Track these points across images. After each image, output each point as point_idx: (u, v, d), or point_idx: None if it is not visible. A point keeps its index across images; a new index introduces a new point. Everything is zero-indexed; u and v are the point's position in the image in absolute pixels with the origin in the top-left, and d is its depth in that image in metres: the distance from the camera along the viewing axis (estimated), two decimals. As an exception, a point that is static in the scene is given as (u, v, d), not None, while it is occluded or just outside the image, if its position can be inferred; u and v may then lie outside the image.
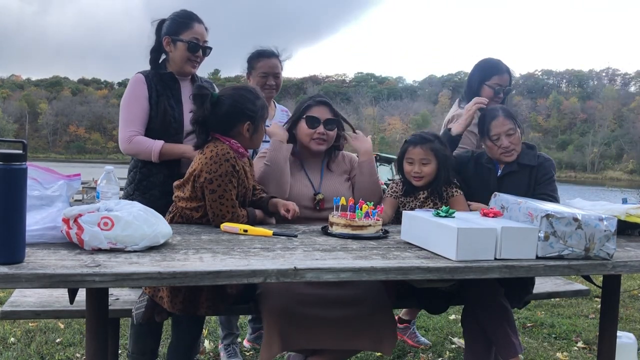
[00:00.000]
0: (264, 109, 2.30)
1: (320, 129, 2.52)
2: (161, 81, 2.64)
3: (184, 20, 2.66)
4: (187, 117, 2.62)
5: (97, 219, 1.62)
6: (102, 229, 1.61)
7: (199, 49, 2.67)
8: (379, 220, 2.10)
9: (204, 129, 2.21)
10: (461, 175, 2.66)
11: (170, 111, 2.60)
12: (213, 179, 2.10)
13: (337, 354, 2.09)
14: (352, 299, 2.15)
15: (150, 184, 2.59)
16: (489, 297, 2.30)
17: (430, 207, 2.53)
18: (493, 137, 2.59)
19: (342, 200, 2.16)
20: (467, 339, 2.39)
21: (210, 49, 2.75)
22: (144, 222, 1.67)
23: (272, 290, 2.15)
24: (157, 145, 2.54)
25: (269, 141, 2.56)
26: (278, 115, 3.21)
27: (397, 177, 2.75)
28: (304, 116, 2.55)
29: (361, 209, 2.08)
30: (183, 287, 2.01)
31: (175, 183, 2.29)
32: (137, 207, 1.75)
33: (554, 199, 2.55)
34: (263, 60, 3.11)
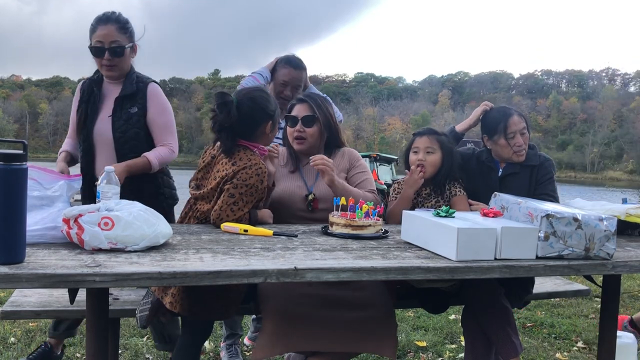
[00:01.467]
0: (278, 106, 2.34)
1: (297, 126, 2.47)
2: (90, 87, 2.67)
3: (91, 25, 2.58)
4: (101, 123, 2.60)
5: (98, 219, 1.62)
6: (102, 229, 1.61)
7: (101, 53, 2.54)
8: (379, 220, 2.10)
9: (230, 135, 2.20)
10: (465, 170, 2.66)
11: (85, 118, 2.62)
12: (238, 185, 2.12)
13: (338, 355, 2.08)
14: (354, 301, 2.14)
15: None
16: (489, 297, 2.30)
17: (432, 205, 2.54)
18: (509, 135, 2.59)
19: (342, 200, 2.15)
20: (467, 339, 2.39)
21: (118, 48, 2.54)
22: (144, 222, 1.68)
23: (272, 291, 2.14)
24: (60, 153, 2.71)
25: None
26: None
27: (399, 178, 2.75)
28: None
29: (361, 209, 2.08)
30: (195, 290, 2.01)
31: (196, 193, 2.27)
32: (137, 207, 1.75)
33: (554, 198, 2.56)
34: (288, 69, 3.03)
